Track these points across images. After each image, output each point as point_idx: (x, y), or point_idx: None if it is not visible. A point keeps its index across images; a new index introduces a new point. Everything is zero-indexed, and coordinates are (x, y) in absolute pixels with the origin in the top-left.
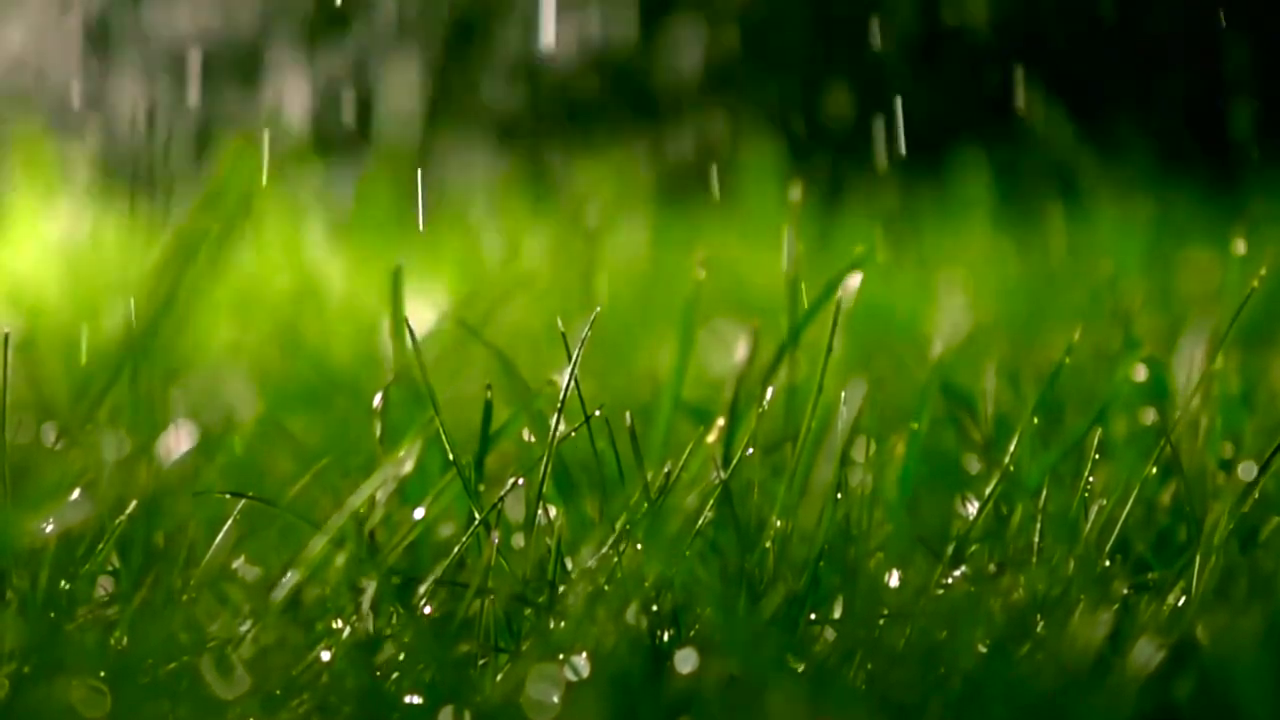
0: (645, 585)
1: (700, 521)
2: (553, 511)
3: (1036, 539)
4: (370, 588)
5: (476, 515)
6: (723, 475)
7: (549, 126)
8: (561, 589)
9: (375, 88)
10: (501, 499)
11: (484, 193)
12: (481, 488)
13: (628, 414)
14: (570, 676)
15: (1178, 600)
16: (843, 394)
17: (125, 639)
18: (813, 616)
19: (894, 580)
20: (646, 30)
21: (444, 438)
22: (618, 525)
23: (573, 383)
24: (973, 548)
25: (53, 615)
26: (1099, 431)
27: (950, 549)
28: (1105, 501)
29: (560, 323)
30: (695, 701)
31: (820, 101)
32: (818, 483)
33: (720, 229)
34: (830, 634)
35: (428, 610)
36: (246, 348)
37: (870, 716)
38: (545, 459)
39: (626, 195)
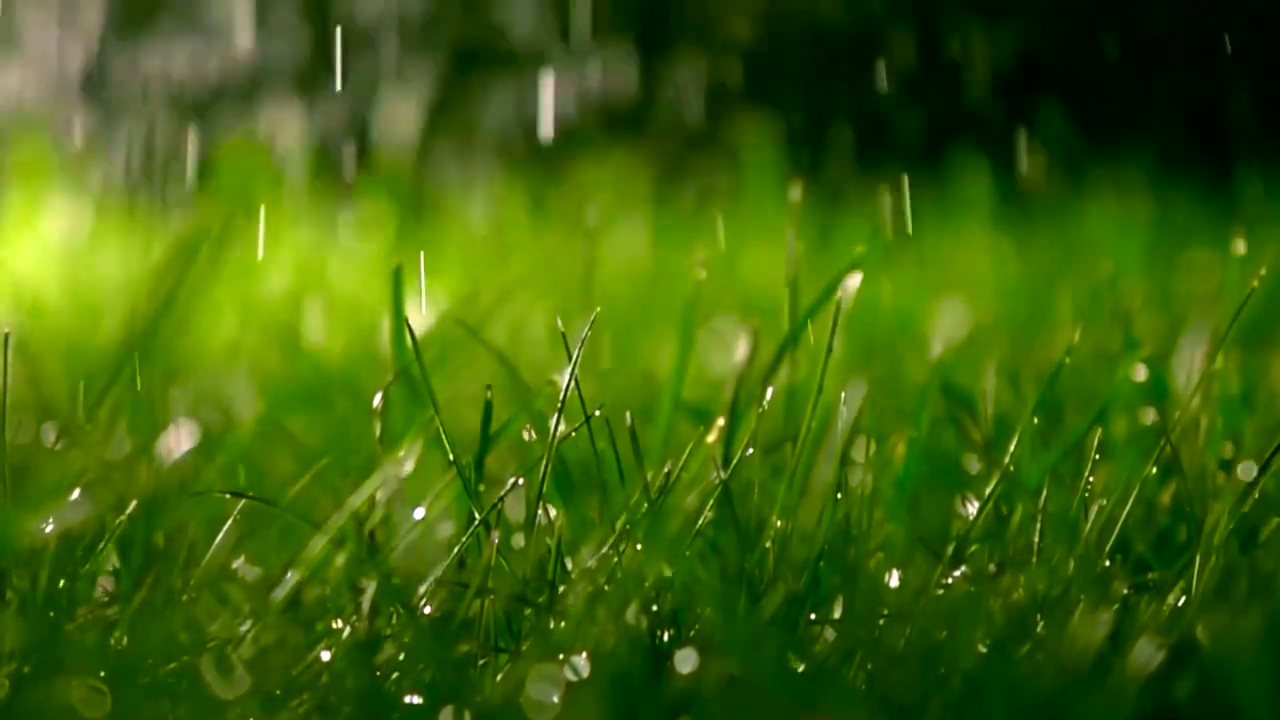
0: (645, 585)
1: (700, 521)
2: (553, 512)
3: (1036, 539)
4: (370, 588)
5: (476, 515)
6: (723, 475)
7: (550, 126)
8: (561, 589)
9: (376, 88)
10: (501, 499)
11: (484, 193)
12: (481, 488)
13: (628, 414)
14: (570, 676)
15: (1178, 600)
16: (843, 394)
17: (125, 639)
18: (813, 616)
19: (894, 580)
20: (647, 30)
21: (444, 438)
22: (618, 525)
23: (573, 383)
24: (973, 548)
25: (53, 615)
26: (1099, 431)
27: (950, 549)
28: (1105, 501)
29: (560, 323)
30: (695, 701)
31: (821, 102)
32: (818, 483)
33: (720, 229)
34: (830, 634)
35: (428, 610)
36: (246, 348)
37: (870, 716)
38: (545, 459)
39: (626, 195)
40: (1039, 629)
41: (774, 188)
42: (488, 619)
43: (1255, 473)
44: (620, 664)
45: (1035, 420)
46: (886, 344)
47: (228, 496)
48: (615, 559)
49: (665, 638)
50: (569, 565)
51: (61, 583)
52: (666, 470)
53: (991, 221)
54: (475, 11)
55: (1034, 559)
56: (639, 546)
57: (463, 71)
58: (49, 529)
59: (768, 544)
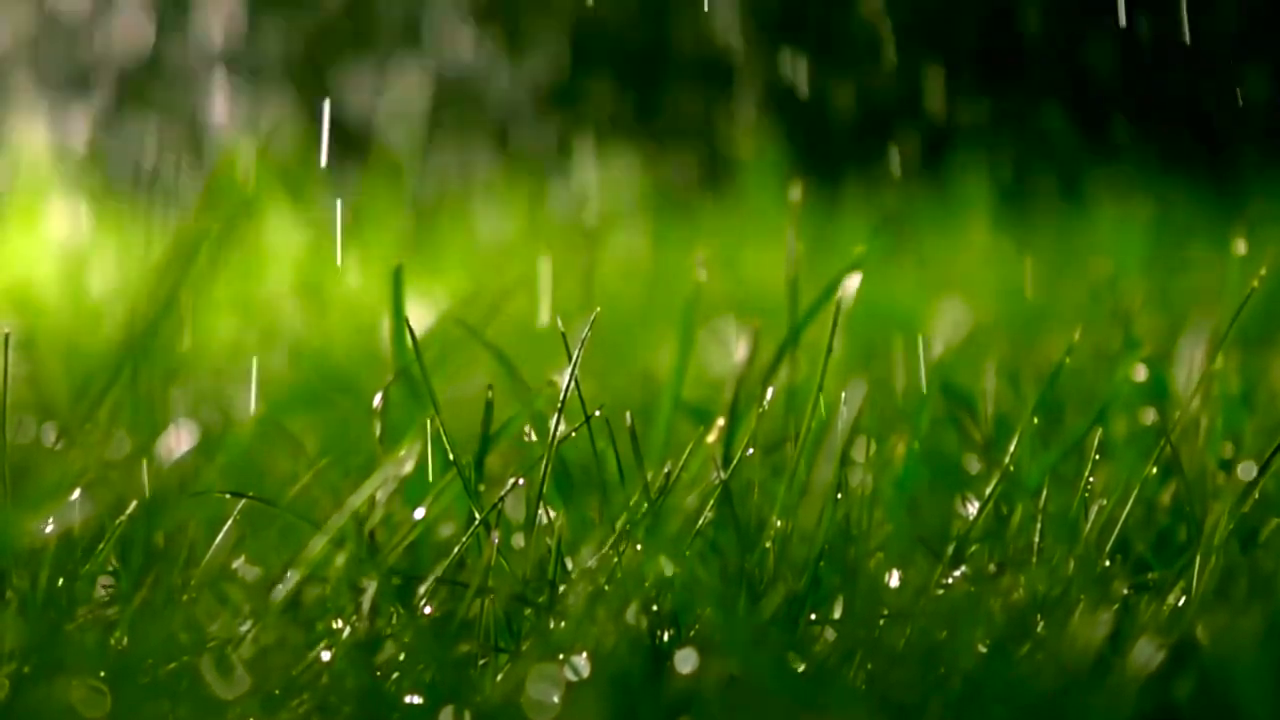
0: (645, 585)
1: (700, 521)
2: (552, 512)
3: (1036, 539)
4: (370, 588)
5: (476, 515)
6: (723, 475)
7: (550, 126)
8: (561, 589)
9: (377, 88)
10: (501, 499)
11: (484, 193)
12: (481, 488)
13: (628, 414)
14: (570, 676)
15: (1178, 600)
16: (843, 394)
17: (125, 639)
18: (813, 616)
19: (894, 580)
20: (647, 31)
21: (444, 438)
22: (618, 525)
23: (573, 383)
24: (973, 548)
25: (53, 615)
26: (1099, 431)
27: (950, 549)
28: (1105, 501)
29: (560, 323)
30: (695, 701)
31: (821, 101)
32: (818, 483)
33: (720, 229)
34: (830, 634)
35: (428, 610)
36: (246, 348)
37: (870, 716)
38: (545, 459)
39: (626, 195)
40: (1039, 629)
41: (774, 188)
42: (488, 619)
43: (1255, 473)
44: (620, 664)
45: (1035, 420)
46: (886, 344)
47: (228, 496)
48: (615, 559)
49: (665, 638)
50: (569, 565)
51: (61, 583)
52: (666, 470)
53: (991, 222)
54: (477, 11)
55: (1034, 559)
56: (639, 546)
57: (464, 71)
58: (49, 529)
59: (768, 544)
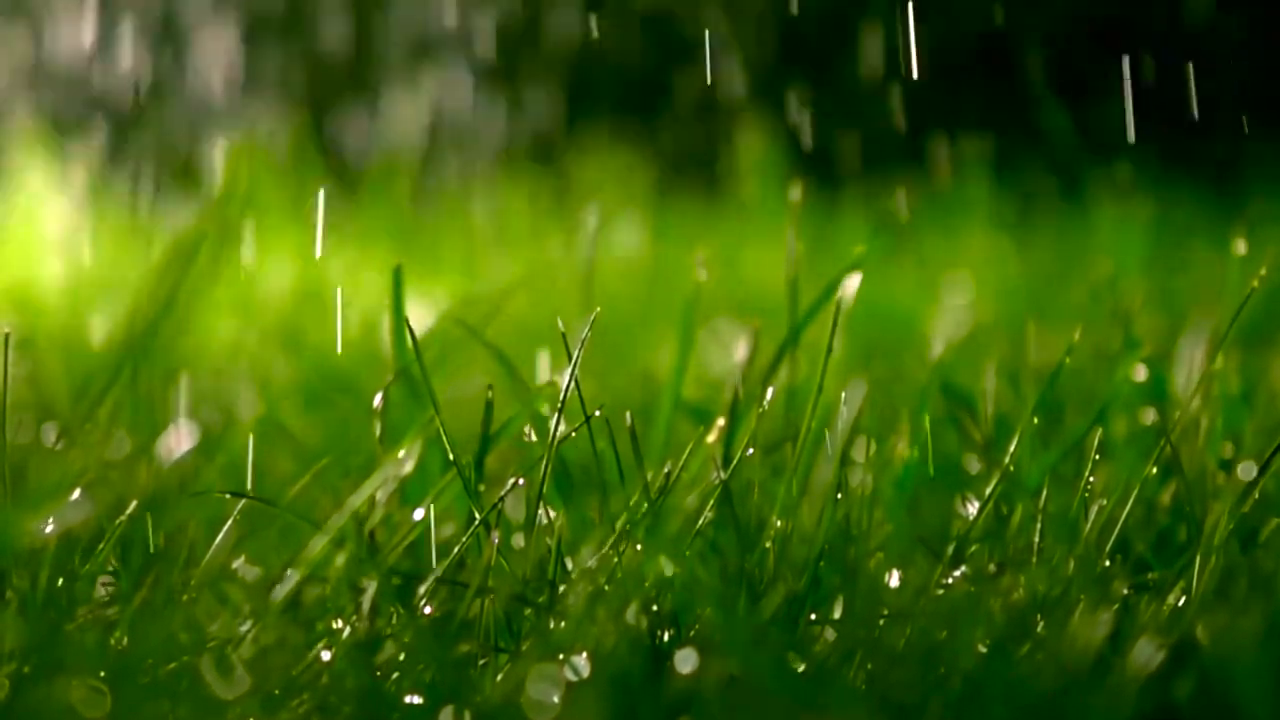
0: (645, 585)
1: (700, 521)
2: (552, 512)
3: (1036, 539)
4: (370, 588)
5: (476, 515)
6: (723, 475)
7: (550, 126)
8: (561, 589)
9: (377, 88)
10: (501, 499)
11: (484, 192)
12: (481, 488)
13: (628, 414)
14: (570, 676)
15: (1178, 600)
16: (843, 394)
17: (125, 639)
18: (813, 616)
19: (894, 580)
20: (648, 31)
21: (444, 438)
22: (618, 525)
23: (573, 383)
24: (973, 548)
25: (53, 615)
26: (1099, 431)
27: (950, 549)
28: (1105, 501)
29: (560, 323)
30: (695, 701)
31: (821, 101)
32: (818, 483)
33: (720, 229)
34: (830, 634)
35: (428, 610)
36: (246, 348)
37: (870, 716)
38: (545, 459)
39: (626, 194)
40: (1039, 629)
41: (774, 188)
42: (488, 619)
43: (1255, 473)
44: (620, 664)
45: (1035, 420)
46: (886, 344)
47: (228, 496)
48: (615, 559)
49: (665, 638)
50: (569, 565)
51: (61, 583)
52: (666, 470)
53: (991, 221)
54: (479, 11)
55: (1034, 559)
56: (639, 546)
57: (463, 71)
58: (49, 529)
59: (768, 544)
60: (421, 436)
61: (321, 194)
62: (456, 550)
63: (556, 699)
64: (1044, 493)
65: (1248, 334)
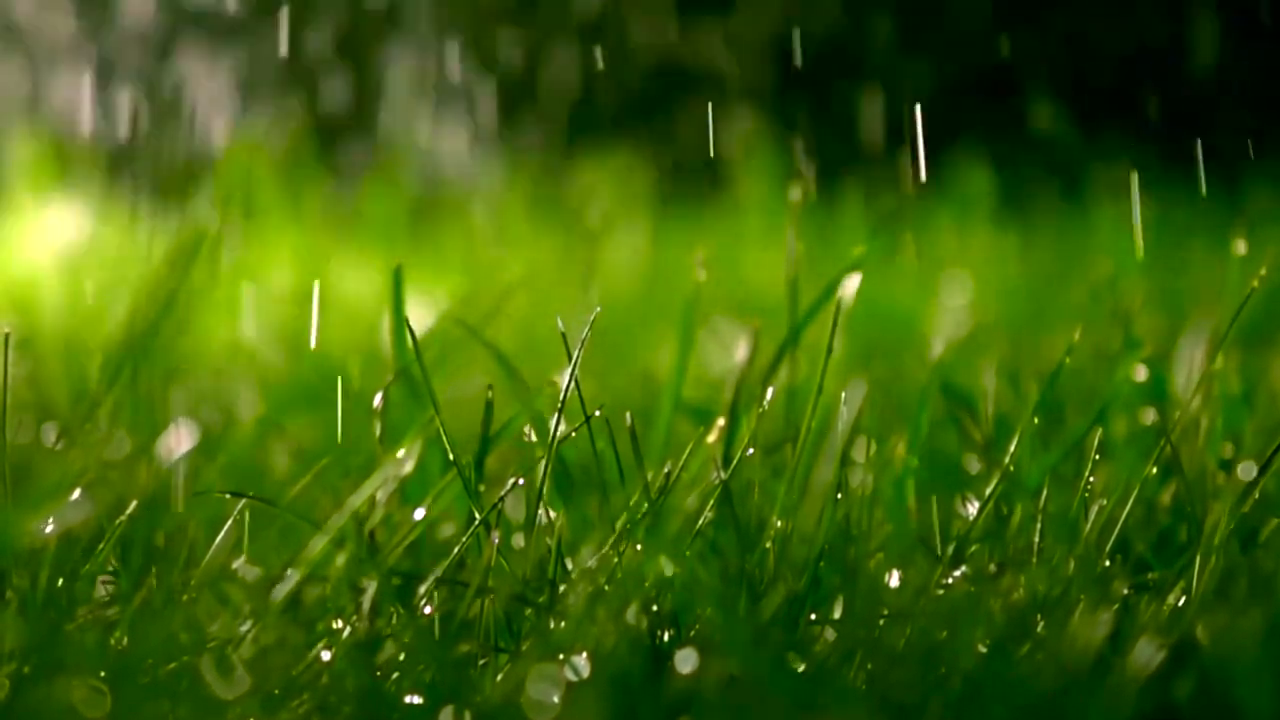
0: (645, 585)
1: (700, 521)
2: (553, 512)
3: (1036, 539)
4: (370, 588)
5: (477, 515)
6: (723, 475)
7: (550, 126)
8: (561, 589)
9: (378, 88)
10: (502, 499)
11: (485, 193)
12: (481, 488)
13: (628, 414)
14: (570, 676)
15: (1178, 600)
16: (843, 394)
17: (125, 639)
18: (813, 616)
19: (894, 580)
20: (648, 30)
21: (444, 438)
22: (618, 525)
23: (573, 383)
24: (973, 548)
25: (53, 615)
26: (1099, 431)
27: (950, 549)
28: (1105, 501)
29: (560, 323)
30: (695, 701)
31: (822, 102)
32: (818, 483)
33: (720, 229)
34: (830, 634)
35: (428, 610)
36: (246, 348)
37: (870, 716)
38: (545, 459)
39: (627, 195)
40: (1039, 629)
41: (774, 188)
42: (488, 619)
43: (1255, 473)
44: (620, 664)
45: (1035, 420)
46: (886, 344)
47: (228, 496)
48: (615, 559)
49: (665, 638)
50: (569, 565)
51: (61, 583)
52: (666, 470)
53: (991, 222)
54: (479, 11)
55: (1034, 559)
56: (639, 546)
57: (464, 70)
58: (49, 529)
59: (768, 544)
60: (421, 436)
61: (321, 195)
62: (456, 550)
63: (556, 699)
64: (1044, 493)
65: (1248, 334)
